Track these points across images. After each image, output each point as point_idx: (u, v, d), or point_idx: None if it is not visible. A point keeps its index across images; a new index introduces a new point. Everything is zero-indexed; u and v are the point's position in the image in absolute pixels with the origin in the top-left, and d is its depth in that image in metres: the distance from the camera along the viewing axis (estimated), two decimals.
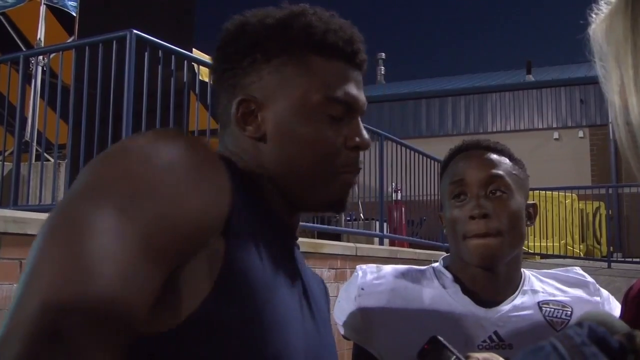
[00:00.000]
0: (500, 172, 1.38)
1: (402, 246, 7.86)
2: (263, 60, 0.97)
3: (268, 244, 0.89)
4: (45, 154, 4.87)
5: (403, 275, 1.47)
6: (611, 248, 10.19)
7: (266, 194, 0.97)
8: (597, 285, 1.47)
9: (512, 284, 1.42)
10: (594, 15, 0.57)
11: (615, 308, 1.42)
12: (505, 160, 1.41)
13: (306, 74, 0.96)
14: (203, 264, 0.77)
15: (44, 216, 3.18)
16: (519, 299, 1.40)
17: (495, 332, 1.35)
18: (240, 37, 0.99)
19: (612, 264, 9.50)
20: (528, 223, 1.43)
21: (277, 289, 0.87)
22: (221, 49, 1.02)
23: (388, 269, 1.49)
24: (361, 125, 1.01)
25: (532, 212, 1.45)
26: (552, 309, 1.39)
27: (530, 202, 1.45)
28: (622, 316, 1.15)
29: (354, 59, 1.00)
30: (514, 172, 1.41)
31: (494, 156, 1.41)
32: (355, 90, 1.00)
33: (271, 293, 0.85)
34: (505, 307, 1.38)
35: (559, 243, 10.71)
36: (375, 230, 7.47)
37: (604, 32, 0.51)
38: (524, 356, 0.44)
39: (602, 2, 0.57)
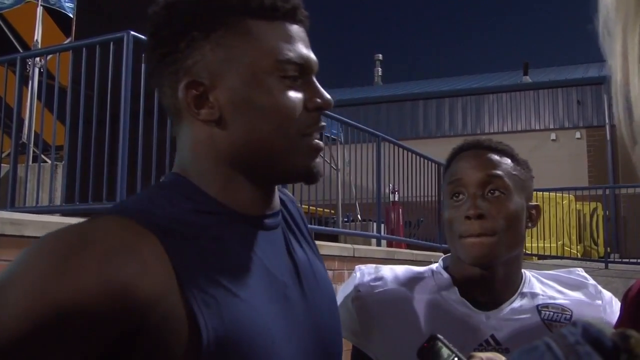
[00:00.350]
0: (499, 172, 1.36)
1: (400, 247, 7.86)
2: (202, 37, 0.91)
3: (235, 259, 0.90)
4: (42, 156, 4.86)
5: (401, 276, 1.46)
6: (608, 249, 10.21)
7: (226, 192, 0.94)
8: (599, 288, 1.46)
9: (511, 286, 1.40)
10: None
11: (617, 311, 1.41)
12: (506, 161, 1.39)
13: (250, 42, 0.92)
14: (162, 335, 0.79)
15: (41, 218, 3.19)
16: (517, 302, 1.39)
17: (492, 336, 1.34)
18: (172, 17, 0.93)
19: (610, 264, 9.52)
20: (529, 225, 1.42)
21: (259, 313, 0.88)
22: (154, 35, 0.96)
23: (386, 270, 1.48)
24: (318, 84, 0.97)
25: (534, 214, 1.43)
26: (551, 312, 1.38)
27: (532, 203, 1.43)
28: (621, 317, 1.15)
29: (295, 15, 0.96)
30: (514, 172, 1.39)
31: (494, 156, 1.39)
32: (305, 49, 0.95)
33: (254, 326, 0.86)
34: (503, 310, 1.37)
35: (556, 244, 10.72)
36: (373, 232, 7.47)
37: (612, 3, 0.50)
38: (518, 355, 0.45)
39: None
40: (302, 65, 0.94)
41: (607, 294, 1.46)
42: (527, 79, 17.71)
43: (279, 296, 0.94)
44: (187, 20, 0.92)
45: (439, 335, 0.98)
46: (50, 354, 0.73)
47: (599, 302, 1.42)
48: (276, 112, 0.92)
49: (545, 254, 10.33)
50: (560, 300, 1.40)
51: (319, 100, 0.95)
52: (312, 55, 0.97)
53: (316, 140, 0.97)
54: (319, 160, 0.98)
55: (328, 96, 0.97)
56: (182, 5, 0.93)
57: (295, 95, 0.93)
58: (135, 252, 0.79)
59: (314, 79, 0.97)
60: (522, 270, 1.46)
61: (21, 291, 0.74)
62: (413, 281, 1.45)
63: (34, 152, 5.52)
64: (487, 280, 1.38)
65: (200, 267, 0.84)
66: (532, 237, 10.22)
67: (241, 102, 0.91)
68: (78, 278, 0.75)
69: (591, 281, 1.47)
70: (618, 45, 0.48)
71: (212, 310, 0.82)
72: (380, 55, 22.88)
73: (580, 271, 1.51)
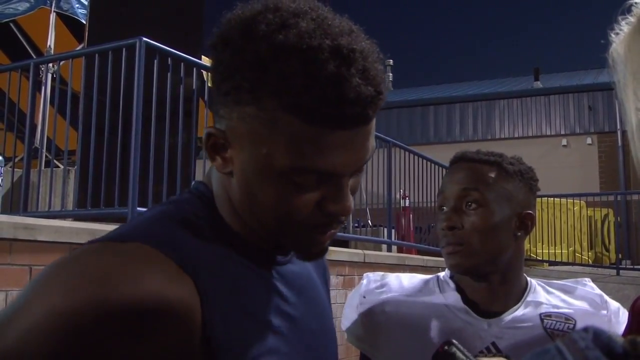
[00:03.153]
0: (473, 186, 1.39)
1: (410, 253, 7.85)
2: (234, 100, 0.82)
3: (246, 293, 0.88)
4: (54, 161, 4.89)
5: (406, 284, 1.49)
6: (620, 255, 10.15)
7: (235, 225, 0.91)
8: (606, 298, 1.46)
9: (513, 294, 1.42)
10: (614, 35, 0.58)
11: (623, 322, 1.40)
12: (490, 173, 1.40)
13: (274, 137, 0.80)
14: None
15: (53, 222, 3.21)
16: (520, 311, 1.40)
17: (493, 344, 1.35)
18: (223, 53, 0.84)
19: (621, 271, 9.45)
20: (519, 233, 1.41)
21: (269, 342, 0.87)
22: (211, 48, 0.87)
23: (392, 278, 1.51)
24: (345, 187, 0.85)
25: (525, 222, 1.42)
26: (554, 321, 1.38)
27: (527, 211, 1.42)
28: (629, 325, 1.15)
29: (345, 123, 0.79)
30: (497, 183, 1.39)
31: (476, 169, 1.41)
32: (340, 156, 0.81)
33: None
34: (505, 318, 1.38)
35: (567, 250, 10.67)
36: (383, 237, 7.47)
37: (623, 51, 0.52)
38: (530, 359, 0.45)
39: (623, 22, 0.57)
40: (326, 173, 0.82)
41: (614, 304, 1.46)
42: (538, 84, 17.67)
43: (289, 333, 0.93)
44: (229, 73, 0.82)
45: (454, 341, 0.98)
46: None
47: (604, 312, 1.42)
48: (278, 209, 0.84)
49: (557, 260, 10.28)
50: (564, 310, 1.41)
51: (333, 206, 0.84)
52: (355, 160, 0.83)
53: (324, 236, 0.89)
54: (323, 245, 0.92)
55: (348, 202, 0.85)
56: (232, 52, 0.82)
57: (306, 197, 0.83)
58: (167, 298, 0.75)
59: (343, 180, 0.84)
60: (528, 279, 1.47)
61: (34, 326, 0.70)
62: (418, 289, 1.47)
63: (46, 157, 5.56)
64: (485, 288, 1.41)
65: (223, 312, 0.82)
66: (543, 244, 10.19)
67: (247, 181, 0.85)
68: (100, 320, 0.71)
69: (597, 291, 1.48)
70: (631, 94, 0.49)
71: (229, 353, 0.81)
72: (391, 60, 22.83)
73: (587, 281, 1.51)
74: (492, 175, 1.40)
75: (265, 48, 0.78)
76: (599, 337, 0.44)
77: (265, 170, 0.82)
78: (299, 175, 0.81)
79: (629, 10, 0.57)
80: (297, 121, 0.78)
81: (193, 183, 0.98)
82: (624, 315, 1.43)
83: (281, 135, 0.79)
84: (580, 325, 1.38)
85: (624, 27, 0.57)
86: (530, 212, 1.43)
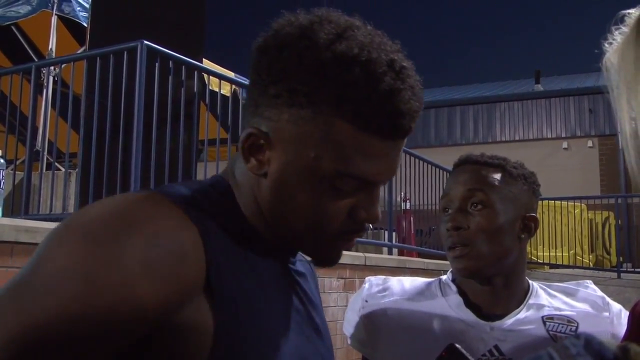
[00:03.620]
0: (479, 187, 1.40)
1: (411, 256, 7.85)
2: (286, 103, 0.84)
3: (257, 275, 0.88)
4: (56, 164, 4.90)
5: (408, 288, 1.49)
6: (621, 258, 10.14)
7: (255, 223, 0.92)
8: (608, 300, 1.46)
9: (515, 297, 1.42)
10: (607, 45, 0.58)
11: (625, 324, 1.41)
12: (495, 175, 1.42)
13: (325, 140, 0.83)
14: (188, 328, 0.77)
15: (54, 225, 3.19)
16: (522, 313, 1.40)
17: (496, 346, 1.36)
18: (276, 57, 0.85)
19: (622, 274, 9.44)
20: (523, 236, 1.42)
21: (272, 328, 0.87)
22: (258, 52, 0.89)
23: (394, 281, 1.52)
24: (377, 196, 0.90)
25: (530, 224, 1.44)
26: (557, 324, 1.39)
27: (531, 214, 1.44)
28: (629, 330, 1.15)
29: (393, 134, 0.85)
30: (502, 185, 1.41)
31: (480, 171, 1.42)
32: (380, 165, 0.86)
33: (268, 341, 0.86)
34: (507, 321, 1.39)
35: (568, 253, 10.66)
36: (384, 240, 7.47)
37: (616, 61, 0.53)
38: None
39: (617, 32, 0.58)
40: (366, 180, 0.86)
41: (616, 306, 1.47)
42: (539, 87, 17.67)
43: (294, 321, 0.94)
44: (284, 76, 0.84)
45: (457, 345, 0.99)
46: (87, 341, 0.70)
47: (607, 314, 1.43)
48: (312, 214, 0.87)
49: (557, 263, 10.28)
50: (567, 312, 1.41)
51: (365, 214, 0.89)
52: (391, 170, 0.88)
53: (347, 243, 0.93)
54: (340, 252, 0.95)
55: (377, 212, 0.90)
56: (289, 56, 0.84)
57: (342, 203, 0.87)
58: (177, 239, 0.77)
59: (377, 190, 0.90)
60: (530, 282, 1.47)
61: (61, 273, 0.71)
62: (420, 292, 1.48)
63: (47, 159, 5.57)
64: (487, 291, 1.41)
65: (230, 273, 0.83)
66: (544, 246, 10.18)
67: (284, 182, 0.87)
68: (119, 261, 0.72)
69: (599, 293, 1.48)
70: (624, 103, 0.50)
71: (232, 317, 0.81)
72: None
73: (589, 283, 1.52)
74: (497, 177, 1.41)
75: (328, 55, 0.82)
76: (590, 344, 0.45)
77: (309, 173, 0.85)
78: (341, 180, 0.85)
79: (622, 20, 0.58)
80: (351, 128, 0.82)
81: (212, 176, 0.98)
82: (625, 317, 1.43)
83: (333, 140, 0.83)
84: (582, 327, 1.39)
85: (617, 37, 0.57)
86: (534, 214, 1.45)
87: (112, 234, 0.74)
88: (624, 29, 0.56)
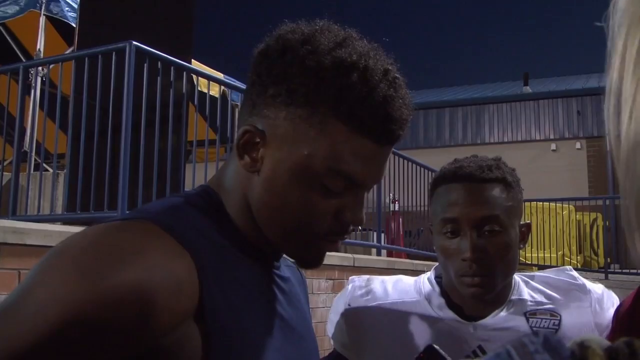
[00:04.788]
0: (496, 213, 1.35)
1: (400, 257, 7.86)
2: (285, 102, 0.89)
3: (244, 288, 0.90)
4: (44, 164, 4.88)
5: (390, 289, 1.48)
6: (608, 259, 10.20)
7: (243, 226, 0.95)
8: (589, 286, 1.46)
9: (501, 296, 1.41)
10: None
11: (608, 308, 1.41)
12: (501, 193, 1.37)
13: (319, 139, 0.88)
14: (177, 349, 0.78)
15: (42, 227, 3.20)
16: (505, 312, 1.40)
17: (480, 347, 1.35)
18: (278, 61, 0.90)
19: (610, 275, 9.51)
20: (521, 245, 1.42)
21: (259, 338, 0.89)
22: (260, 56, 0.93)
23: (376, 283, 1.50)
24: (362, 200, 0.95)
25: (525, 232, 1.44)
26: (539, 319, 1.39)
27: (523, 222, 1.44)
28: (613, 331, 1.16)
29: (384, 139, 0.91)
30: (508, 203, 1.37)
31: (489, 191, 1.36)
32: (369, 168, 0.91)
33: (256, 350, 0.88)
34: (490, 320, 1.38)
35: (556, 254, 10.72)
36: (373, 241, 7.48)
37: (624, 4, 0.51)
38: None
39: None
40: (355, 181, 0.91)
41: (597, 289, 1.46)
42: (528, 89, 17.74)
43: (281, 331, 0.96)
44: (284, 77, 0.89)
45: (436, 346, 0.99)
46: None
47: (588, 303, 1.42)
48: (301, 212, 0.90)
49: (545, 264, 10.32)
50: (549, 305, 1.41)
51: (350, 216, 0.93)
52: (376, 174, 0.93)
53: (331, 244, 0.95)
54: (323, 254, 0.98)
55: (362, 215, 0.95)
56: (291, 59, 0.89)
57: (330, 203, 0.91)
58: (173, 271, 0.78)
59: (362, 194, 0.94)
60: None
61: (52, 300, 0.71)
62: (403, 293, 1.47)
63: (35, 160, 5.54)
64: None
65: (220, 293, 0.84)
66: (532, 247, 10.22)
67: (276, 179, 0.90)
68: (113, 294, 0.72)
69: (580, 281, 1.47)
70: (620, 45, 0.49)
71: (222, 337, 0.82)
72: None
73: (570, 270, 1.51)
74: (504, 195, 1.38)
75: (328, 60, 0.87)
76: (548, 341, 0.45)
77: (301, 170, 0.89)
78: (331, 178, 0.89)
79: None
80: (345, 129, 0.88)
81: (199, 186, 1.01)
82: (609, 300, 1.44)
83: (327, 138, 0.88)
84: (565, 319, 1.39)
85: None
86: (529, 222, 1.46)
87: (104, 266, 0.74)
88: None
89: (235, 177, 0.96)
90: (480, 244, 1.34)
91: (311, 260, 0.97)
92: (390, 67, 0.91)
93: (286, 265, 1.07)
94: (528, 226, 1.45)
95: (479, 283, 1.34)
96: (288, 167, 0.89)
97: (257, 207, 0.93)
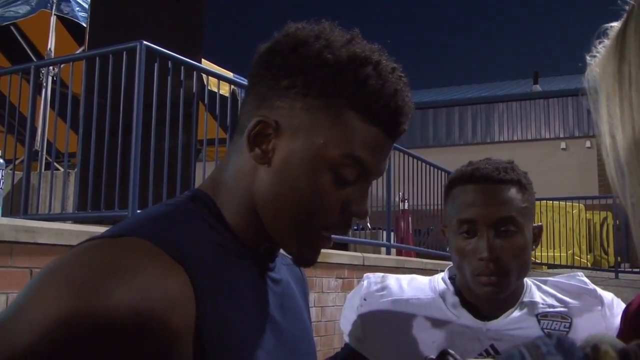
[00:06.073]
0: (512, 214, 1.38)
1: (409, 256, 7.86)
2: (301, 93, 0.91)
3: (238, 296, 0.90)
4: (55, 163, 4.90)
5: (405, 287, 1.50)
6: (619, 258, 10.15)
7: (238, 227, 0.95)
8: (599, 292, 1.48)
9: (513, 297, 1.43)
10: (590, 58, 0.59)
11: (617, 314, 1.42)
12: (517, 195, 1.40)
13: (335, 127, 0.91)
14: None
15: (53, 225, 3.21)
16: (517, 312, 1.42)
17: (492, 346, 1.37)
18: (292, 54, 0.92)
19: (620, 274, 9.46)
20: (533, 247, 1.44)
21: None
22: (270, 51, 0.95)
23: (392, 280, 1.52)
24: (367, 193, 0.97)
25: (537, 234, 1.46)
26: (550, 321, 1.40)
27: (535, 224, 1.46)
28: (621, 330, 1.17)
29: (392, 130, 0.95)
30: (523, 205, 1.40)
31: (506, 193, 1.39)
32: (378, 158, 0.94)
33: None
34: (502, 320, 1.40)
35: (566, 253, 10.68)
36: (383, 240, 7.48)
37: (598, 73, 0.54)
38: None
39: (600, 45, 0.59)
40: (365, 169, 0.93)
41: (607, 296, 1.48)
42: (537, 87, 17.69)
43: (273, 335, 0.96)
44: (300, 70, 0.91)
45: (451, 351, 0.99)
46: None
47: (599, 307, 1.44)
48: (311, 202, 0.91)
49: (555, 263, 10.29)
50: (560, 308, 1.43)
51: (355, 208, 0.94)
52: (382, 166, 0.96)
53: (326, 240, 0.96)
54: (319, 252, 0.99)
55: (366, 207, 0.96)
56: (307, 53, 0.92)
57: (340, 194, 0.93)
58: (167, 290, 0.77)
59: (367, 186, 0.97)
60: (524, 279, 1.48)
61: (43, 318, 0.71)
62: (417, 291, 1.48)
63: (46, 159, 5.57)
64: (492, 298, 1.41)
65: (215, 306, 0.84)
66: (542, 247, 10.19)
67: (290, 167, 0.91)
68: (107, 316, 0.71)
69: (590, 286, 1.49)
70: (604, 114, 0.51)
71: (218, 351, 0.82)
72: None
73: (581, 276, 1.53)
74: (519, 197, 1.40)
75: (343, 53, 0.92)
76: (561, 343, 0.45)
77: (315, 160, 0.91)
78: (345, 167, 0.91)
79: (604, 34, 0.59)
80: (359, 118, 0.91)
81: (189, 190, 1.00)
82: (618, 307, 1.45)
83: (342, 127, 0.91)
84: (576, 322, 1.41)
85: (600, 50, 0.58)
86: (541, 224, 1.48)
87: (98, 286, 0.73)
88: (606, 41, 0.57)
89: (238, 172, 0.95)
90: (496, 244, 1.36)
91: (311, 255, 0.97)
92: (395, 65, 0.96)
93: (284, 264, 1.07)
94: (540, 228, 1.47)
95: (495, 282, 1.36)
96: (302, 158, 0.91)
97: (264, 200, 0.93)
